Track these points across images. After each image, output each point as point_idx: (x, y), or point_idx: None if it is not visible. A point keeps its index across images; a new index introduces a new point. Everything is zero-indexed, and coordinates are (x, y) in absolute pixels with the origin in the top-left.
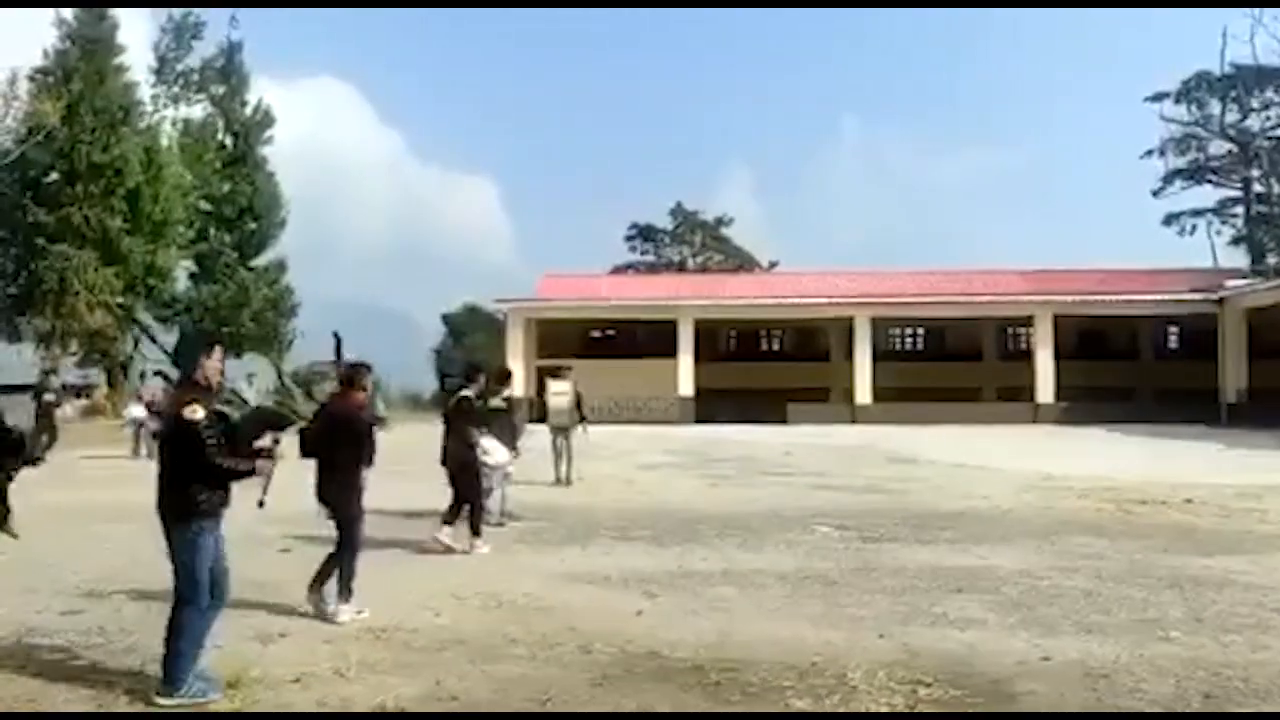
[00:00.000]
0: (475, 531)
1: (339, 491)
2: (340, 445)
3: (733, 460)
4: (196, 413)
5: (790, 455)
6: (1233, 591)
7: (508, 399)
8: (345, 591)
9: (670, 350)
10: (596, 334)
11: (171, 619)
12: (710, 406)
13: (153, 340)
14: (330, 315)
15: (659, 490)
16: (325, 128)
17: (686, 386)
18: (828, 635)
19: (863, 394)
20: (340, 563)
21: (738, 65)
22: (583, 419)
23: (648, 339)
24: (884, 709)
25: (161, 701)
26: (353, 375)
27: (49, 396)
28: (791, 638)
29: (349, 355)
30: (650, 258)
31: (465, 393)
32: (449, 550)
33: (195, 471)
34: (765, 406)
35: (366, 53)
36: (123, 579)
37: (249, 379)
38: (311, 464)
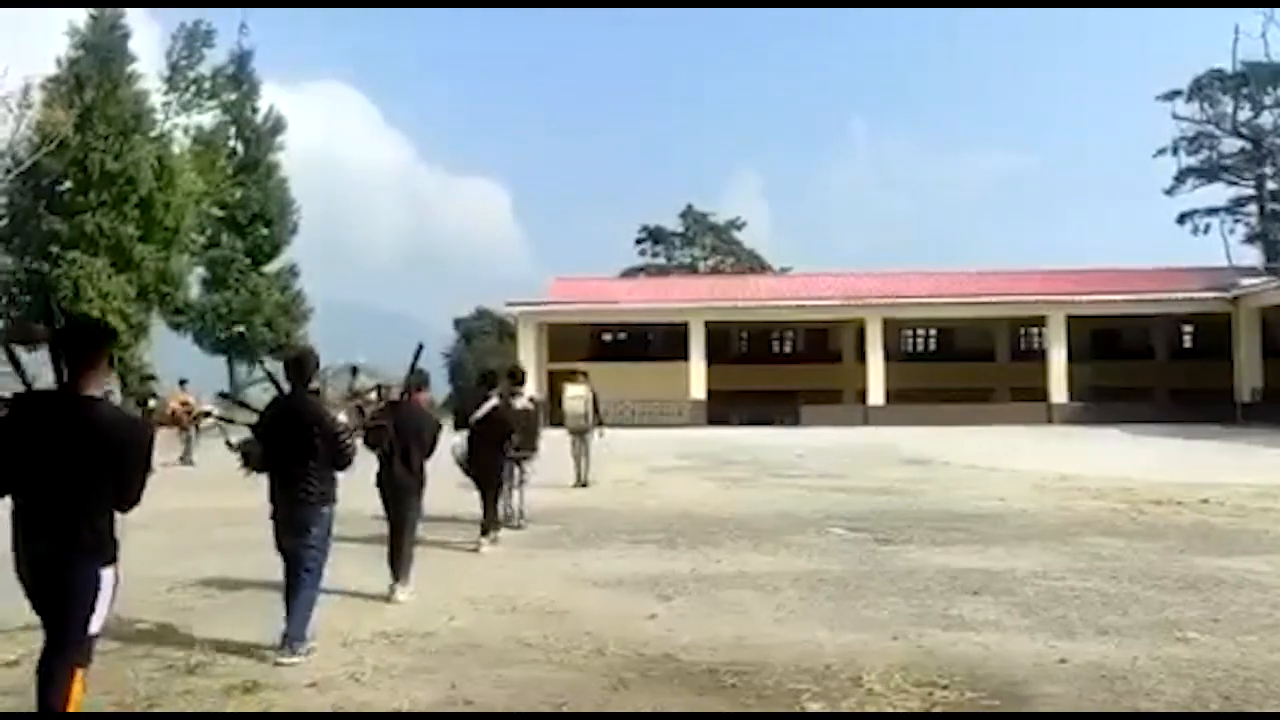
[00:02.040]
0: (484, 531)
1: (415, 484)
2: (417, 441)
3: (745, 462)
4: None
5: (803, 457)
6: (1250, 592)
7: (533, 400)
8: (404, 575)
9: (682, 353)
10: (608, 337)
11: (305, 591)
12: (723, 409)
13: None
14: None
15: (672, 493)
16: (331, 131)
17: (699, 389)
18: (843, 637)
19: (875, 395)
20: (403, 548)
21: (745, 68)
22: (599, 422)
23: (659, 342)
24: (900, 711)
25: (289, 660)
26: (421, 382)
27: (152, 403)
28: (806, 640)
29: (360, 359)
30: (661, 260)
31: (494, 402)
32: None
33: (341, 466)
34: (778, 408)
35: (369, 55)
36: (137, 581)
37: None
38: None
